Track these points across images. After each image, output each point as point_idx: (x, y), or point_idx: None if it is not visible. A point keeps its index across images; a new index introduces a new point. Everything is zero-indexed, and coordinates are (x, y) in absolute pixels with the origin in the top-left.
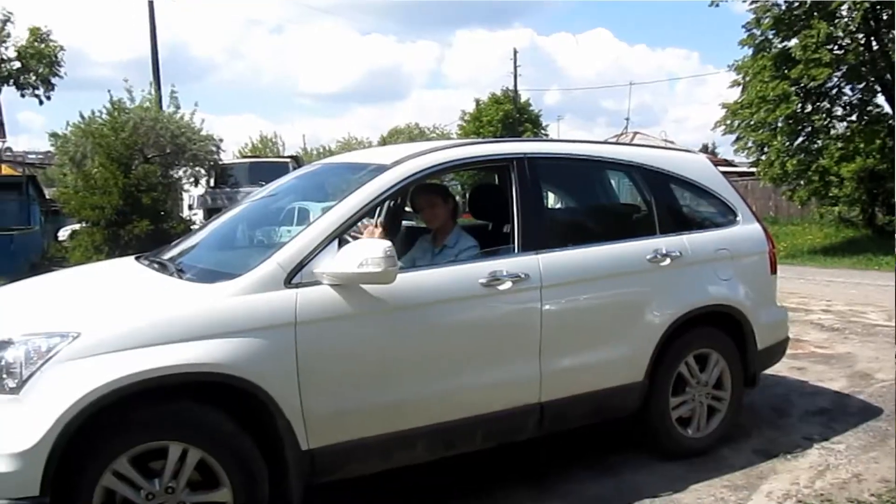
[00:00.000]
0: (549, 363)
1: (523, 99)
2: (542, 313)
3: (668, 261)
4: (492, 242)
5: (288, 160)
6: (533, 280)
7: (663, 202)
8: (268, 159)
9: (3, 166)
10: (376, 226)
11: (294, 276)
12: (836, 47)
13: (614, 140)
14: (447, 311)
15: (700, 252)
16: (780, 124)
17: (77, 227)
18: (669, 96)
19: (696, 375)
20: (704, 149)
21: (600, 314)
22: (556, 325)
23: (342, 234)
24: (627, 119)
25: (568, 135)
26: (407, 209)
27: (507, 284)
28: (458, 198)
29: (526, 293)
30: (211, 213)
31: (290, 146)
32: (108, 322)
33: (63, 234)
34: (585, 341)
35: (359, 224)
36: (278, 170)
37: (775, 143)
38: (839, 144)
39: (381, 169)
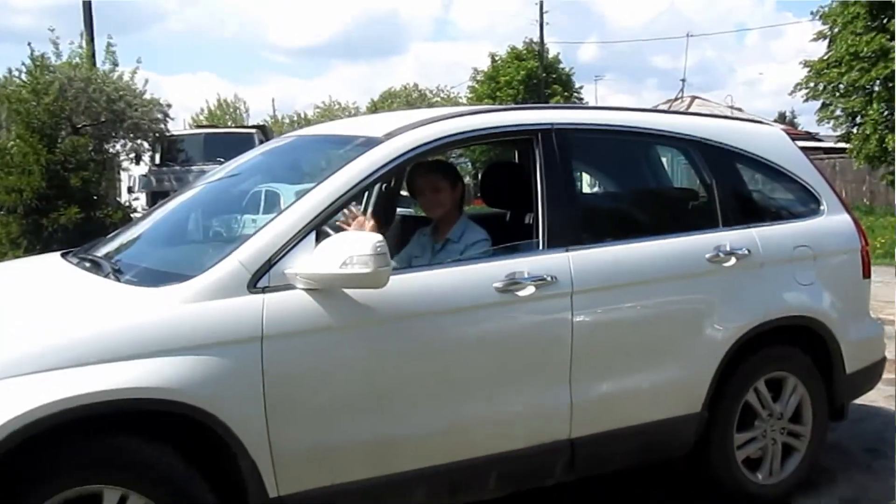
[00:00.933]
0: (581, 389)
1: (551, 54)
2: (573, 326)
3: (733, 260)
4: (509, 236)
5: (253, 131)
6: (562, 284)
7: (728, 186)
8: (228, 130)
9: None
10: (365, 215)
11: (260, 278)
12: None
13: (666, 107)
14: (453, 323)
15: (774, 250)
16: (877, 88)
17: None
18: (737, 52)
19: (767, 406)
20: (781, 118)
21: (647, 328)
22: (590, 340)
23: (321, 226)
24: (683, 81)
25: (608, 100)
26: (403, 194)
27: (529, 289)
28: (467, 179)
29: (553, 301)
30: (156, 197)
31: (256, 113)
32: (23, 337)
33: None
34: (628, 362)
35: (343, 212)
36: (241, 143)
37: (871, 111)
38: None
39: (371, 143)
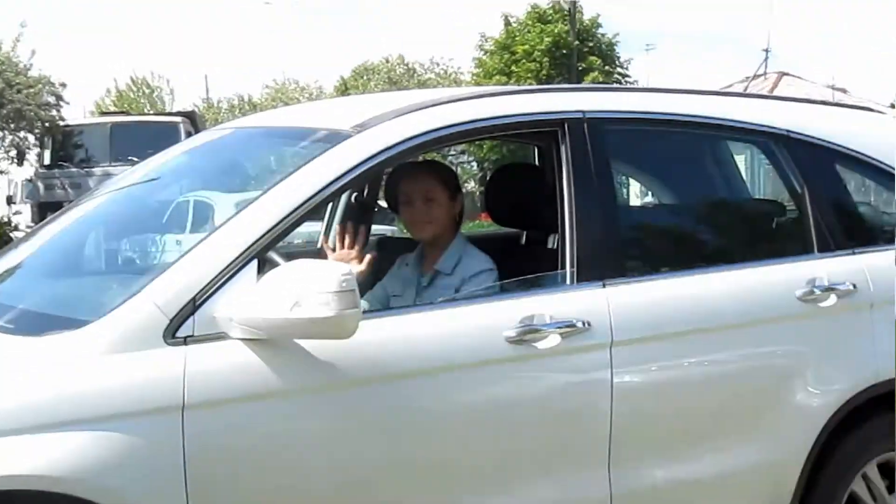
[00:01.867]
0: (624, 477)
1: (587, 16)
2: (612, 390)
3: (833, 299)
4: (525, 265)
5: (178, 120)
6: (597, 332)
7: (826, 197)
8: (144, 118)
9: None
10: (346, 241)
11: (182, 324)
12: None
13: (743, 88)
14: (447, 387)
15: (888, 285)
16: None
17: None
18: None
19: (881, 499)
20: None
21: (714, 393)
22: (636, 411)
23: (267, 251)
24: (767, 52)
25: (662, 79)
26: (381, 204)
27: (553, 340)
28: (470, 186)
29: (585, 355)
30: (45, 210)
31: (182, 96)
32: None
33: None
34: (687, 440)
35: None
36: (161, 136)
37: None
38: None
39: (337, 138)
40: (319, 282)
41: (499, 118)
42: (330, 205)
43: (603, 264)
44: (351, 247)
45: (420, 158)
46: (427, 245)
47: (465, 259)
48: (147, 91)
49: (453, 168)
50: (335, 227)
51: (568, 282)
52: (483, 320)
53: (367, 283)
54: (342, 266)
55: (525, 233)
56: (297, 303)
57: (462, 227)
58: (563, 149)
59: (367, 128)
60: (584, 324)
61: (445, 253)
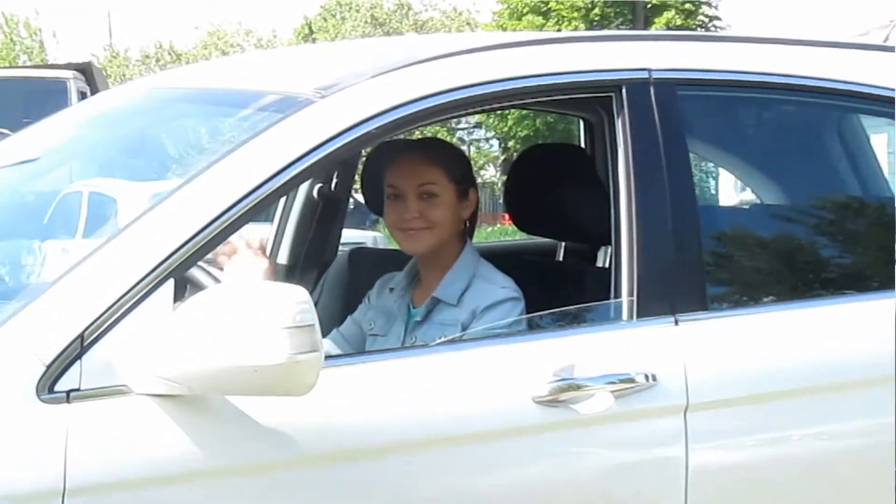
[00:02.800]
0: None
1: None
2: (687, 473)
3: None
4: (562, 292)
5: (68, 75)
6: (666, 391)
7: None
8: (18, 72)
9: None
10: (268, 251)
11: (64, 371)
12: None
13: (882, 39)
14: (447, 467)
15: None
16: None
17: None
18: None
19: None
20: None
21: (831, 478)
22: (719, 501)
23: (189, 267)
24: None
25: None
26: (357, 199)
27: (602, 401)
28: (489, 175)
29: (649, 424)
30: None
31: (74, 43)
32: None
33: None
34: None
35: (233, 241)
36: (43, 97)
37: None
38: None
39: (293, 104)
40: (265, 312)
41: (529, 79)
42: (283, 200)
43: (676, 291)
44: (252, 263)
45: (414, 135)
46: (423, 262)
47: (478, 283)
48: (24, 36)
49: (463, 149)
50: (288, 231)
51: (625, 316)
52: (502, 372)
53: (333, 315)
54: (296, 290)
55: (563, 244)
56: (232, 343)
57: (475, 236)
58: (620, 123)
59: (337, 90)
60: (647, 378)
61: (449, 273)
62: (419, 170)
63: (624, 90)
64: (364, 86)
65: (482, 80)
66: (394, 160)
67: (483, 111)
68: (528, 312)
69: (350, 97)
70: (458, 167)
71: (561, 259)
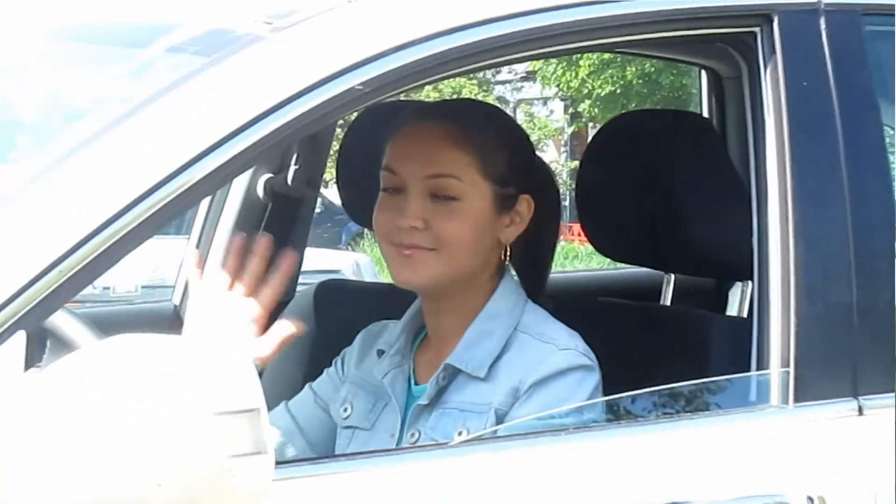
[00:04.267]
0: None
1: None
2: None
3: None
4: (668, 351)
5: None
6: None
7: None
8: None
9: None
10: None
11: None
12: None
13: None
14: None
15: None
16: None
17: None
18: None
19: None
20: None
21: None
22: None
23: (52, 312)
24: None
25: None
26: (327, 200)
27: None
28: (559, 163)
29: None
30: None
31: None
32: None
33: None
34: None
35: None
36: None
37: None
38: None
39: (227, 43)
40: (173, 389)
41: (609, 3)
42: (205, 202)
43: (862, 358)
44: (251, 289)
45: (422, 94)
46: (430, 304)
47: (522, 342)
48: None
49: (509, 114)
50: (226, 240)
51: (775, 398)
52: (567, 493)
53: (285, 387)
54: (230, 352)
55: (672, 278)
56: (120, 441)
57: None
58: (768, 77)
59: (299, 21)
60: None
61: (474, 325)
62: (432, 150)
63: (776, 22)
64: (343, 14)
65: (538, 7)
66: (394, 129)
67: (540, 55)
68: (608, 390)
69: (320, 31)
70: (504, 153)
71: (668, 302)
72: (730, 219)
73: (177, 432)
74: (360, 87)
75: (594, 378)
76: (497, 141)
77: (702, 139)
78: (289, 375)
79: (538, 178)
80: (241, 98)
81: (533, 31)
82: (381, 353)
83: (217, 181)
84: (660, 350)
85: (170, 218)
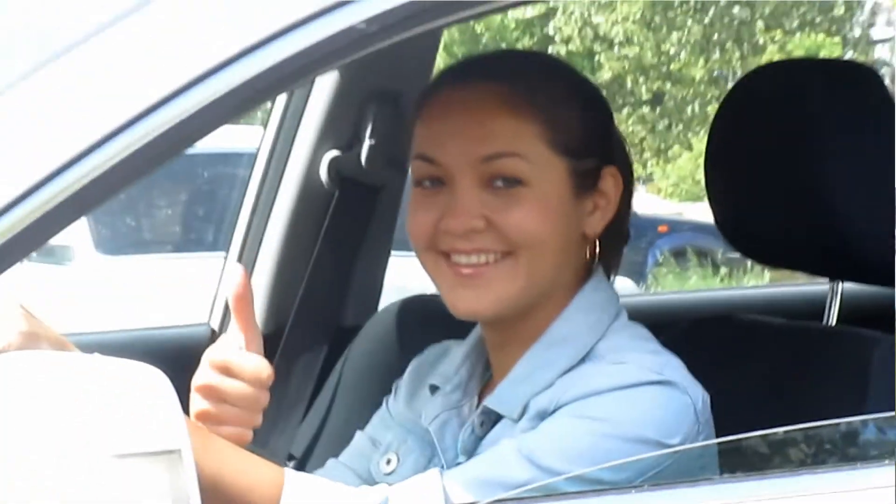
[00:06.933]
0: None
1: None
2: None
3: None
4: (826, 386)
5: None
6: None
7: None
8: None
9: None
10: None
11: None
12: None
13: None
14: None
15: None
16: None
17: None
18: None
19: None
20: None
21: None
22: None
23: None
24: None
25: None
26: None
27: None
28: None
29: None
30: None
31: None
32: None
33: None
34: None
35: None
36: None
37: None
38: None
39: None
40: (66, 423)
41: None
42: (254, 192)
43: None
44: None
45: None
46: (497, 332)
47: (579, 371)
48: None
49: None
50: (265, 258)
51: None
52: None
53: (362, 418)
54: (148, 375)
55: (840, 289)
56: None
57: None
58: None
59: None
60: None
61: (532, 351)
62: (483, 121)
63: None
64: None
65: None
66: (424, 102)
67: None
68: (738, 429)
69: None
70: (577, 116)
71: (833, 321)
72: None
73: (67, 477)
74: (364, 26)
75: (679, 398)
76: (567, 99)
77: (870, 98)
78: (365, 418)
79: (620, 146)
80: (206, 36)
81: None
82: (434, 388)
83: (175, 142)
84: (807, 379)
85: (111, 189)
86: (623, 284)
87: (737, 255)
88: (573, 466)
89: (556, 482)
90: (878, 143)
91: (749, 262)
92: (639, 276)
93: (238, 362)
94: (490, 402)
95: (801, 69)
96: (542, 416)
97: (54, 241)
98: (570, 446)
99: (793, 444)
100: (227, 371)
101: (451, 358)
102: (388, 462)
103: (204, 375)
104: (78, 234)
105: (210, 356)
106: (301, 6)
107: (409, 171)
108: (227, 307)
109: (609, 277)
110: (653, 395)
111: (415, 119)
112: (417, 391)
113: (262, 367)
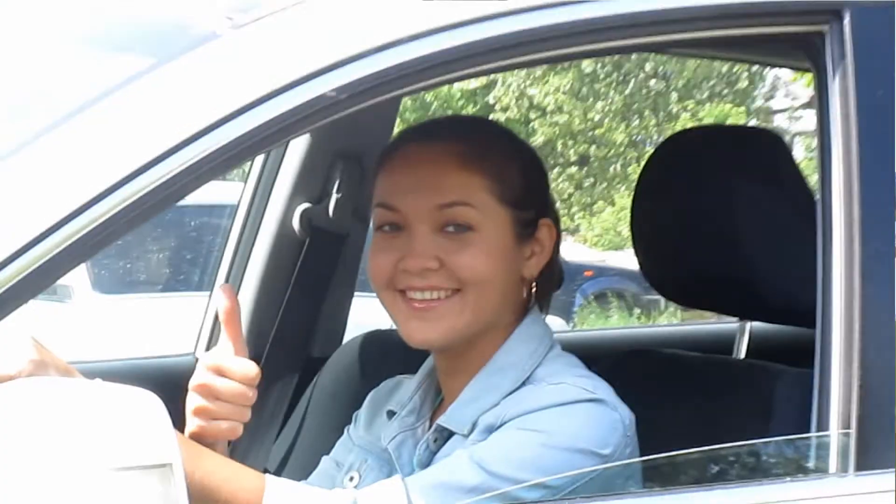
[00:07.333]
0: None
1: None
2: None
3: None
4: (734, 414)
5: None
6: None
7: None
8: None
9: None
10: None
11: None
12: None
13: None
14: None
15: None
16: None
17: None
18: None
19: None
20: None
21: None
22: None
23: None
24: None
25: None
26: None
27: None
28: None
29: None
30: None
31: None
32: None
33: None
34: None
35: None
36: None
37: None
38: None
39: (179, 41)
40: (67, 439)
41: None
42: (236, 236)
43: None
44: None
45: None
46: (446, 362)
47: (523, 391)
48: None
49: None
50: (245, 297)
51: (834, 466)
52: None
53: (323, 446)
54: (139, 397)
55: (748, 325)
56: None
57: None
58: (834, 85)
59: (262, 17)
60: None
61: (479, 377)
62: (438, 175)
63: (847, 20)
64: (315, 8)
65: None
66: (385, 157)
67: (572, 56)
68: (659, 451)
69: (287, 28)
70: (519, 172)
71: (742, 356)
72: (804, 254)
73: (72, 488)
74: (333, 94)
75: (609, 414)
76: (509, 158)
77: (774, 159)
78: (331, 438)
79: (552, 201)
80: (192, 105)
81: (553, 29)
82: (391, 413)
83: (164, 198)
84: (718, 407)
85: (102, 242)
86: (554, 322)
87: (653, 296)
88: (518, 472)
89: (504, 486)
90: (781, 197)
91: (663, 303)
92: (568, 315)
93: (229, 364)
94: (442, 420)
95: (716, 134)
96: (490, 430)
97: (57, 281)
98: (515, 454)
99: (707, 463)
100: (220, 372)
101: (406, 387)
102: (352, 479)
103: (200, 376)
104: (77, 275)
105: (205, 360)
106: (277, 77)
107: (371, 219)
108: (210, 337)
109: (543, 315)
110: (587, 411)
111: (377, 171)
112: (375, 418)
113: (249, 368)
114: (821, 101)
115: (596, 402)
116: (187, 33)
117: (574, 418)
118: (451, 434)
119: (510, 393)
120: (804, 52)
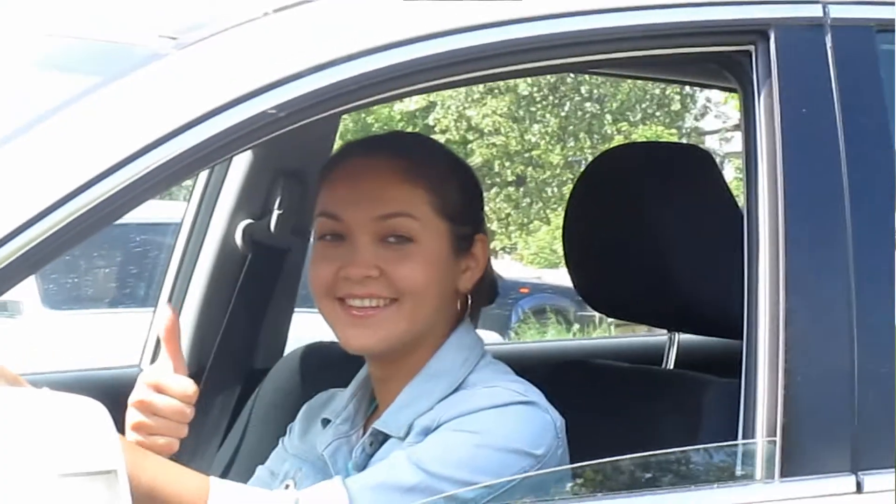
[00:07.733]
0: None
1: None
2: None
3: None
4: (664, 424)
5: None
6: None
7: None
8: None
9: None
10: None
11: None
12: None
13: None
14: None
15: None
16: None
17: None
18: None
19: None
20: None
21: None
22: None
23: None
24: None
25: None
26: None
27: None
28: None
29: None
30: None
31: None
32: None
33: None
34: None
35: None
36: None
37: None
38: None
39: (123, 61)
40: (11, 445)
41: (579, 17)
42: (180, 250)
43: (860, 428)
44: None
45: (370, 126)
46: (380, 369)
47: (457, 396)
48: None
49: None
50: (188, 310)
51: (760, 473)
52: None
53: (263, 455)
54: (83, 404)
55: (676, 339)
56: None
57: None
58: (760, 104)
59: (207, 36)
60: None
61: (413, 384)
62: (380, 187)
63: (773, 40)
64: (256, 28)
65: (497, 19)
66: (329, 169)
67: (505, 75)
68: (590, 458)
69: (229, 48)
70: (457, 188)
71: (671, 366)
72: (731, 268)
73: (16, 495)
74: (274, 111)
75: (541, 416)
76: (449, 174)
77: (702, 175)
78: (272, 448)
79: (483, 219)
80: (135, 122)
81: (488, 48)
82: (326, 422)
83: (108, 214)
84: (648, 415)
85: (46, 258)
86: (490, 337)
87: (588, 312)
88: (455, 471)
89: (442, 485)
90: (709, 212)
91: (598, 319)
92: (504, 329)
93: (168, 382)
94: (378, 424)
95: (644, 151)
96: (426, 432)
97: (6, 296)
98: (451, 454)
99: (637, 469)
100: (159, 389)
101: (340, 397)
102: (287, 487)
103: (140, 393)
104: (27, 291)
105: (144, 377)
106: (219, 95)
107: (312, 232)
108: (155, 351)
109: (474, 326)
110: (519, 413)
111: (320, 183)
112: (310, 427)
113: (188, 386)
114: (747, 119)
115: (528, 404)
116: (132, 53)
117: (508, 419)
118: (386, 438)
119: (444, 398)
120: (730, 72)
